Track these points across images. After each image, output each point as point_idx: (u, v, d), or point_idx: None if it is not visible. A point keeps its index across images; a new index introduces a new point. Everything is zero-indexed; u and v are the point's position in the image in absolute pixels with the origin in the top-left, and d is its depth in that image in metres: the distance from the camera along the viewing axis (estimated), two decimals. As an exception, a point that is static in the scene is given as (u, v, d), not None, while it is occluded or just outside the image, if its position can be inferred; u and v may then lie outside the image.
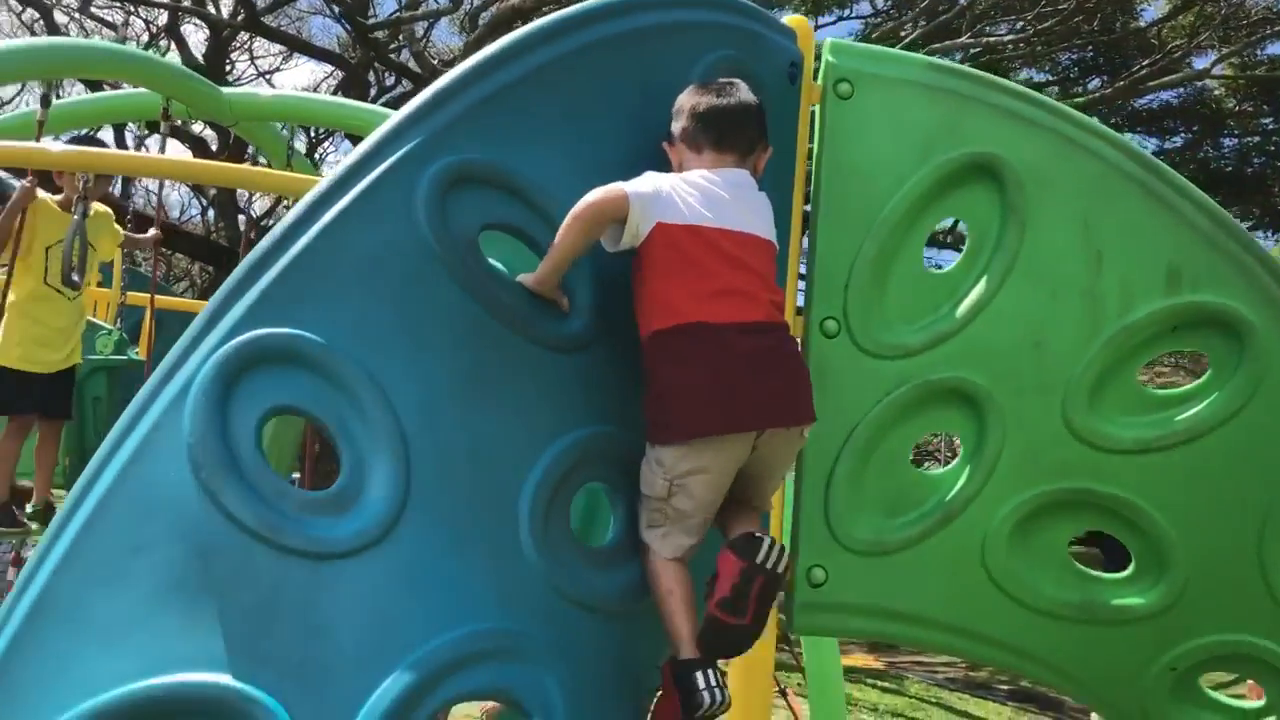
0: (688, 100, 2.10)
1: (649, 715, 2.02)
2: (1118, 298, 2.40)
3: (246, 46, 23.42)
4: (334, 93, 21.90)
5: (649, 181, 1.98)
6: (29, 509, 4.91)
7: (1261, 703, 2.44)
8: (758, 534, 1.92)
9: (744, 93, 2.12)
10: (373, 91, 18.94)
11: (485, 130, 1.87)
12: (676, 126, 2.11)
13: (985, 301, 2.41)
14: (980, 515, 2.39)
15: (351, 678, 1.55)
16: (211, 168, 6.46)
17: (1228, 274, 2.38)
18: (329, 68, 22.11)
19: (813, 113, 2.49)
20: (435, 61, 15.80)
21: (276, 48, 22.09)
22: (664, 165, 2.12)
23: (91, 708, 1.47)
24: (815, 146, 2.48)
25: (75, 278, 4.68)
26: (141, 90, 4.88)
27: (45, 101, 4.38)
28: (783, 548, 1.91)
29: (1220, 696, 2.49)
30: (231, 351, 1.64)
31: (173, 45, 19.74)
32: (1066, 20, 13.49)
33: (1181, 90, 16.02)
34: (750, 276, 1.98)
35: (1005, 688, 11.90)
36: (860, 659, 14.07)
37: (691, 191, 1.99)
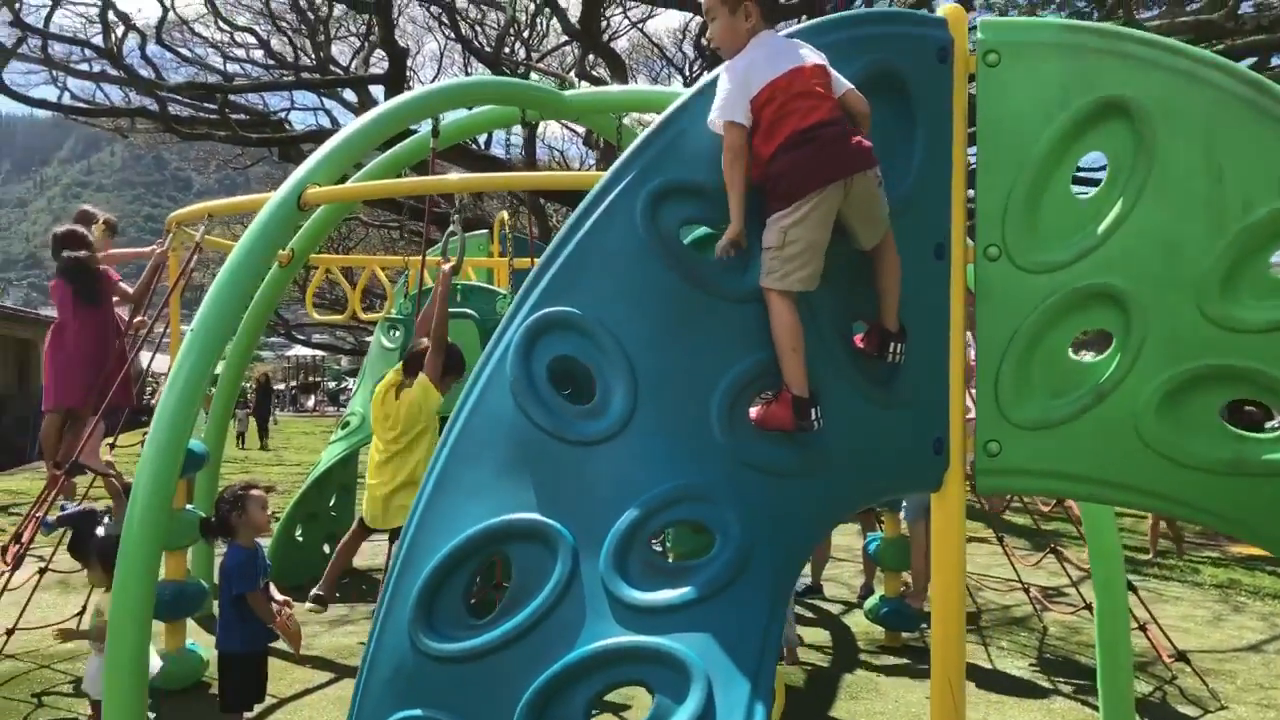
0: None
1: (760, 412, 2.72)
2: (1239, 204, 2.75)
3: (619, 2, 25.29)
4: (700, 33, 23.15)
5: (730, 93, 2.74)
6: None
7: None
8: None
9: None
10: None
11: (682, 155, 2.71)
12: None
13: (1123, 218, 2.84)
14: (1131, 391, 2.85)
15: (605, 513, 2.45)
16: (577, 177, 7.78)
17: (1334, 174, 2.68)
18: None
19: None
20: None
21: (644, -1, 23.56)
22: None
23: (469, 533, 2.48)
24: (976, 108, 3.06)
25: None
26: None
27: (435, 131, 5.19)
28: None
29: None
30: (531, 324, 2.60)
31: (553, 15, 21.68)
32: None
33: None
34: (810, 95, 2.74)
35: None
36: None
37: (756, 63, 2.78)
